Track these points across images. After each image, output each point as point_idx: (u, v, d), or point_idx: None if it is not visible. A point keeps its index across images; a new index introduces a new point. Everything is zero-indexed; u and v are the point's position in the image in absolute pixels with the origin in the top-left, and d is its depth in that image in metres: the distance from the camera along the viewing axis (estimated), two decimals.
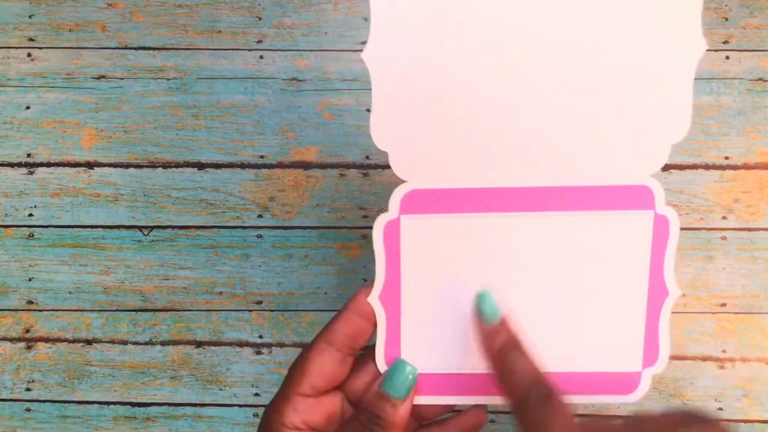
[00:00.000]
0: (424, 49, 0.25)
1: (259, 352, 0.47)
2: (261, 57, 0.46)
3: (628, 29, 0.25)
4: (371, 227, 0.27)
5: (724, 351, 0.45)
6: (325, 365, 0.26)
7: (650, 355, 0.26)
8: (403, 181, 0.26)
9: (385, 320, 0.27)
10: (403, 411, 0.26)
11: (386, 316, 0.27)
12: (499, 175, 0.26)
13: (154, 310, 0.47)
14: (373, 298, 0.27)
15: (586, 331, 0.26)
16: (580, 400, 0.26)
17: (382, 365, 0.27)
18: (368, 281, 0.27)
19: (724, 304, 0.45)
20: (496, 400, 0.27)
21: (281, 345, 0.47)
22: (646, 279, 0.26)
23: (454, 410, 0.29)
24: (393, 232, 0.26)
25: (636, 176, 0.26)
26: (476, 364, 0.27)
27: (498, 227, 0.26)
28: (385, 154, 0.27)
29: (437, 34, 0.25)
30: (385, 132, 0.26)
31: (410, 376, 0.26)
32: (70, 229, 0.47)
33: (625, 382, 0.26)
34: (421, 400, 0.27)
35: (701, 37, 0.24)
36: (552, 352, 0.26)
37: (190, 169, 0.46)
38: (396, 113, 0.26)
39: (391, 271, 0.27)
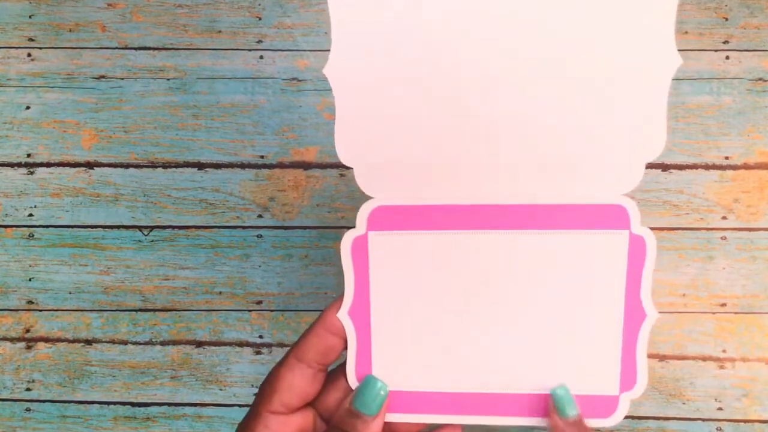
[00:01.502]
0: (389, 63, 0.25)
1: (259, 352, 0.47)
2: (261, 57, 0.46)
3: (600, 46, 0.24)
4: None
5: (724, 351, 0.45)
6: (296, 382, 0.26)
7: (628, 379, 0.26)
8: (370, 197, 0.26)
9: (355, 336, 0.26)
10: (374, 428, 0.25)
11: (356, 332, 0.26)
12: (470, 192, 0.26)
13: (154, 310, 0.47)
14: (343, 314, 0.26)
15: (561, 353, 0.26)
16: None
17: (353, 381, 0.27)
18: (339, 296, 0.26)
19: (724, 304, 0.45)
20: (469, 420, 0.26)
21: (281, 345, 0.47)
22: (623, 301, 0.25)
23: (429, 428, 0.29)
24: (361, 248, 0.26)
25: (610, 195, 0.25)
26: (450, 383, 0.26)
27: (468, 245, 0.26)
28: None
29: (401, 48, 0.25)
30: (351, 147, 0.26)
31: (381, 393, 0.26)
32: (70, 229, 0.47)
33: (603, 406, 0.26)
34: (394, 417, 0.27)
35: (675, 52, 0.24)
36: (527, 373, 0.26)
37: (190, 169, 0.46)
38: (361, 128, 0.25)
39: (360, 287, 0.26)
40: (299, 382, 0.26)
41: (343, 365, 0.27)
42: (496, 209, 0.26)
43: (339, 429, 0.26)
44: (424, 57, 0.25)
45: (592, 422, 0.26)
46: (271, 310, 0.47)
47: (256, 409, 0.26)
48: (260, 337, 0.47)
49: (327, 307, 0.27)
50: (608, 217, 0.25)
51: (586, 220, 0.25)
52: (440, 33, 0.25)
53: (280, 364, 0.27)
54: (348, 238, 0.26)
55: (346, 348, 0.27)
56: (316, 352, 0.26)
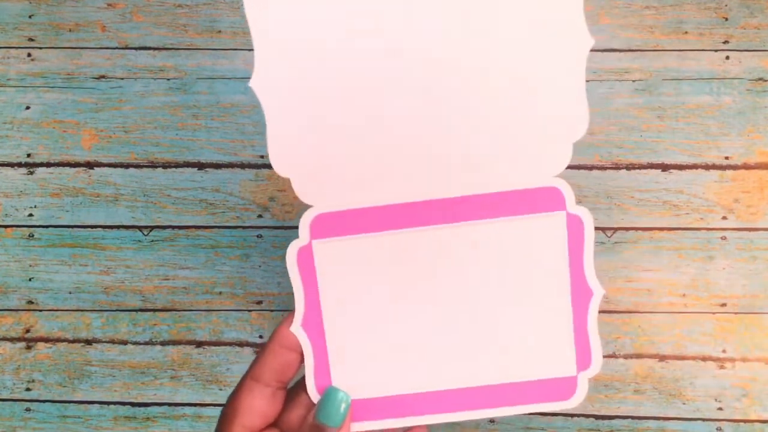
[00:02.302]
0: (313, 70, 0.25)
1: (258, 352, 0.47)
2: None
3: (515, 34, 0.25)
4: None
5: (724, 351, 0.45)
6: (255, 403, 0.25)
7: (583, 358, 0.26)
8: (309, 206, 0.26)
9: (311, 349, 0.26)
10: None
11: (312, 344, 0.26)
12: (405, 190, 0.26)
13: (154, 310, 0.47)
14: (296, 327, 0.26)
15: (514, 341, 0.26)
16: (519, 411, 0.26)
17: (314, 395, 0.26)
18: (291, 311, 0.26)
19: (724, 304, 0.45)
20: (434, 419, 0.26)
21: None
22: (568, 281, 0.26)
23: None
24: (306, 258, 0.26)
25: (542, 178, 0.26)
26: (410, 384, 0.26)
27: (410, 243, 0.26)
28: None
29: (324, 54, 0.25)
30: (285, 159, 0.26)
31: (344, 404, 0.25)
32: (70, 229, 0.47)
33: (562, 388, 0.26)
34: (359, 426, 0.26)
35: (586, 32, 0.24)
36: (483, 365, 0.26)
37: (190, 169, 0.46)
38: (293, 138, 0.25)
39: (310, 297, 0.26)
40: (259, 403, 0.26)
41: (302, 381, 0.27)
42: (433, 204, 0.26)
43: None
44: (346, 61, 0.25)
45: (553, 406, 0.26)
46: (271, 310, 0.47)
47: None
48: (260, 337, 0.47)
49: (279, 323, 0.26)
50: (543, 199, 0.26)
51: (522, 205, 0.26)
52: (361, 35, 0.25)
53: (239, 387, 0.26)
54: (293, 250, 0.26)
55: (303, 362, 0.26)
56: (271, 370, 0.26)
